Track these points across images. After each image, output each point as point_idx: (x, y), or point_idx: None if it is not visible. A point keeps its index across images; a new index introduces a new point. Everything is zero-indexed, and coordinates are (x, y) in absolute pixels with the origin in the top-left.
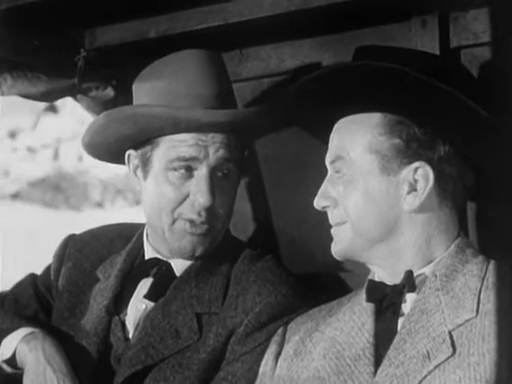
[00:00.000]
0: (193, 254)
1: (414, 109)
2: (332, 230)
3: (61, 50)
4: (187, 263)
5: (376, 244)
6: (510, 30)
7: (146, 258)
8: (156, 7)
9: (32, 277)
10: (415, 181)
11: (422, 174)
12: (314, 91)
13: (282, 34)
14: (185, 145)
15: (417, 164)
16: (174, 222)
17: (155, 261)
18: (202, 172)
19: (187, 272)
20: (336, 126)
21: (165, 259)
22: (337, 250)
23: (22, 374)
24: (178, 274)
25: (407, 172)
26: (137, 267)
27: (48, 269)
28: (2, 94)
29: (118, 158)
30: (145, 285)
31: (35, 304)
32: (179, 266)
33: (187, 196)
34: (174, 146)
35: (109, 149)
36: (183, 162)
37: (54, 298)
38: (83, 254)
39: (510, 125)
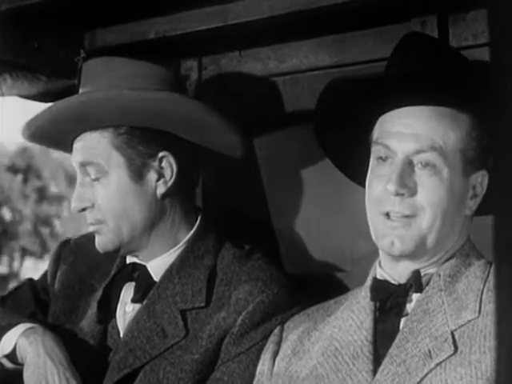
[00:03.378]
0: (99, 250)
1: (499, 114)
2: (394, 224)
3: (60, 51)
4: (165, 264)
5: (437, 244)
6: (509, 31)
7: (128, 262)
8: (156, 8)
9: (30, 281)
10: (476, 187)
11: (482, 182)
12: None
13: (281, 35)
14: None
15: (483, 172)
16: None
17: (133, 265)
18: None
19: (169, 270)
20: (418, 109)
21: (142, 263)
22: (400, 245)
23: (22, 370)
24: (154, 276)
25: (475, 178)
26: (119, 273)
27: (45, 273)
28: (2, 95)
29: None
30: (129, 289)
31: (34, 307)
32: (154, 267)
33: None
34: None
35: None
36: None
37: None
38: (79, 257)
39: (508, 125)
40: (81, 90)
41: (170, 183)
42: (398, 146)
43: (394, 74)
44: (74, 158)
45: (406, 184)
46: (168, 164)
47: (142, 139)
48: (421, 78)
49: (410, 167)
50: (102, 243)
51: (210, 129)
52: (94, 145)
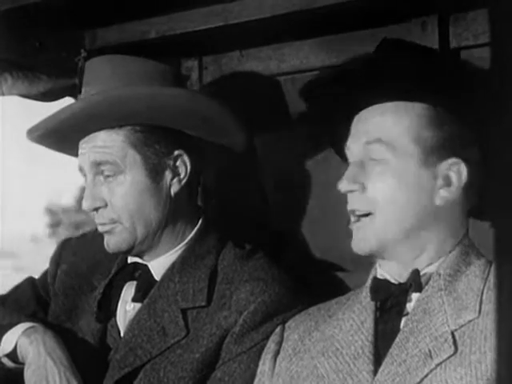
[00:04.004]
0: (109, 251)
1: (459, 104)
2: (355, 225)
3: (61, 51)
4: (166, 263)
5: (405, 238)
6: (510, 30)
7: (129, 261)
8: (156, 8)
9: (30, 280)
10: (450, 176)
11: (458, 171)
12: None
13: (282, 34)
14: (78, 154)
15: (454, 160)
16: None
17: (135, 265)
18: (87, 178)
19: (170, 269)
20: (370, 109)
21: (144, 262)
22: (363, 245)
23: (23, 369)
24: (155, 276)
25: (444, 166)
26: (119, 272)
27: (45, 272)
28: (3, 94)
29: None
30: (130, 288)
31: (34, 305)
32: (156, 267)
33: None
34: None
35: None
36: (80, 171)
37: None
38: (79, 257)
39: (508, 126)
40: (84, 89)
41: (183, 182)
42: (352, 145)
43: (331, 77)
44: (86, 158)
45: (355, 180)
46: (182, 163)
47: (157, 137)
48: (364, 78)
49: (361, 163)
50: (114, 243)
51: (222, 126)
52: (109, 143)
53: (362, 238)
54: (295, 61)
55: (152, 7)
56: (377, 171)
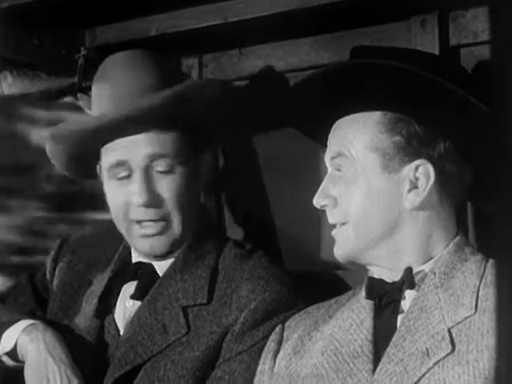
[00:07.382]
0: (154, 254)
1: (413, 106)
2: (333, 233)
3: (61, 49)
4: (168, 262)
5: (378, 244)
6: (510, 29)
7: (133, 261)
8: (156, 6)
9: (30, 276)
10: (416, 178)
11: (423, 172)
12: (312, 91)
13: (282, 32)
14: (114, 150)
15: (418, 162)
16: (128, 226)
17: (139, 265)
18: (135, 173)
19: (172, 267)
20: (335, 124)
21: (148, 261)
22: (340, 253)
23: (23, 367)
24: (160, 274)
25: (408, 170)
26: (122, 271)
27: (44, 270)
28: (2, 93)
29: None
30: (130, 285)
31: (33, 302)
32: (161, 265)
33: (130, 200)
34: (106, 155)
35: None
36: (117, 168)
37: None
38: (77, 255)
39: (509, 124)
40: (105, 84)
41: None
42: (325, 160)
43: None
44: (139, 150)
45: (326, 195)
46: (205, 162)
47: (193, 139)
48: (322, 94)
49: (332, 177)
50: (160, 244)
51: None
52: (163, 137)
53: (338, 246)
54: (295, 59)
55: (152, 5)
56: (344, 184)
